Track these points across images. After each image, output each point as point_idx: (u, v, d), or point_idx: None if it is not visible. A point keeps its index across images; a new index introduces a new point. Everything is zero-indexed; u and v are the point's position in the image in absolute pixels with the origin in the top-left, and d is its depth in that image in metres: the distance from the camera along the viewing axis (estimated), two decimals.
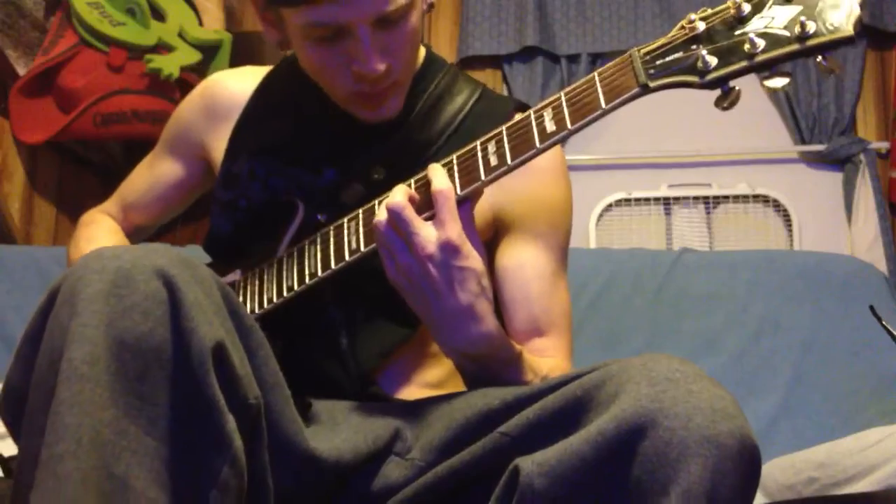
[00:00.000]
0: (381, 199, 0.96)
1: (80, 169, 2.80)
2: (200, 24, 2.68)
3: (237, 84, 1.22)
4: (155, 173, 1.29)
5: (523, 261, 1.06)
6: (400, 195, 0.88)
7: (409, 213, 0.87)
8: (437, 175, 0.89)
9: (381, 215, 0.88)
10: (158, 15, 2.63)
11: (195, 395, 0.73)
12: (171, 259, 0.76)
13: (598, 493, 0.71)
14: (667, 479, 0.68)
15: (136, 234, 1.35)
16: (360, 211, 0.97)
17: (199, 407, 0.73)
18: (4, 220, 2.56)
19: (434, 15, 3.20)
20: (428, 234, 0.86)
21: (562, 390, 0.78)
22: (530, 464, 0.73)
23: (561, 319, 1.08)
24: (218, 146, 1.20)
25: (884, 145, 2.87)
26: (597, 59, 3.04)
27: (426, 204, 0.89)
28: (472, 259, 0.87)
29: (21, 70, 2.57)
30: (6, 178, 2.65)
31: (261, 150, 1.14)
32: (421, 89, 1.12)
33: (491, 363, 0.92)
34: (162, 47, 2.59)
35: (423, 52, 1.16)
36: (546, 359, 1.03)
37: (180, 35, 2.63)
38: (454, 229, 0.86)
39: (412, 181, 0.93)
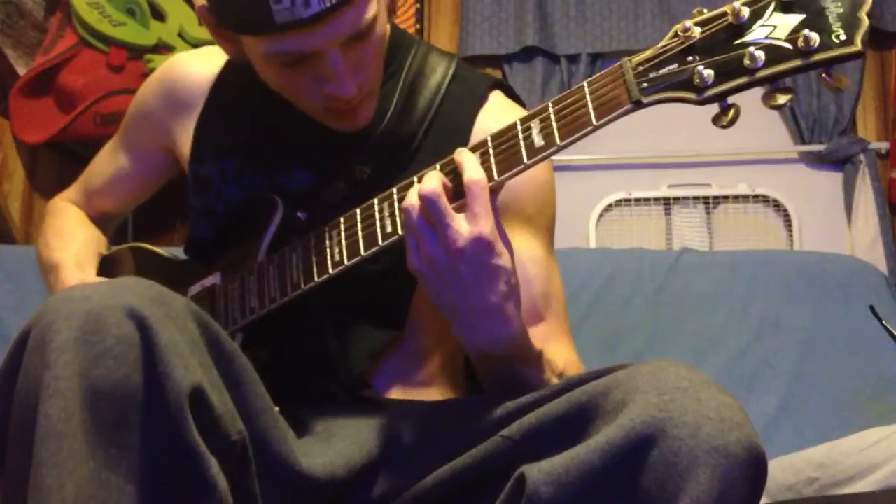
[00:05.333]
0: (363, 206, 0.93)
1: (80, 169, 2.79)
2: (200, 24, 2.68)
3: (199, 67, 1.16)
4: (117, 161, 1.25)
5: (516, 246, 1.03)
6: (434, 181, 0.82)
7: (443, 202, 0.81)
8: (471, 163, 0.83)
9: (413, 200, 0.82)
10: (158, 15, 2.63)
11: (174, 442, 0.71)
12: (143, 297, 0.73)
13: (606, 502, 0.70)
14: (675, 489, 0.68)
15: (103, 220, 1.30)
16: (342, 219, 0.94)
17: (180, 453, 0.71)
18: (4, 220, 2.57)
19: (434, 15, 3.20)
20: (460, 227, 0.80)
21: (566, 396, 0.77)
22: (537, 472, 0.72)
23: (558, 303, 1.06)
24: (182, 138, 1.15)
25: (884, 145, 2.87)
26: (597, 59, 3.04)
27: (456, 193, 0.84)
28: (504, 257, 0.83)
29: (21, 70, 2.57)
30: (6, 178, 2.65)
31: (227, 149, 1.10)
32: (392, 74, 1.06)
33: (512, 363, 0.89)
34: (162, 47, 2.59)
35: (387, 30, 1.08)
36: (556, 349, 1.00)
37: (180, 35, 2.63)
38: (488, 224, 0.81)
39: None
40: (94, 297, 0.72)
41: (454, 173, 0.85)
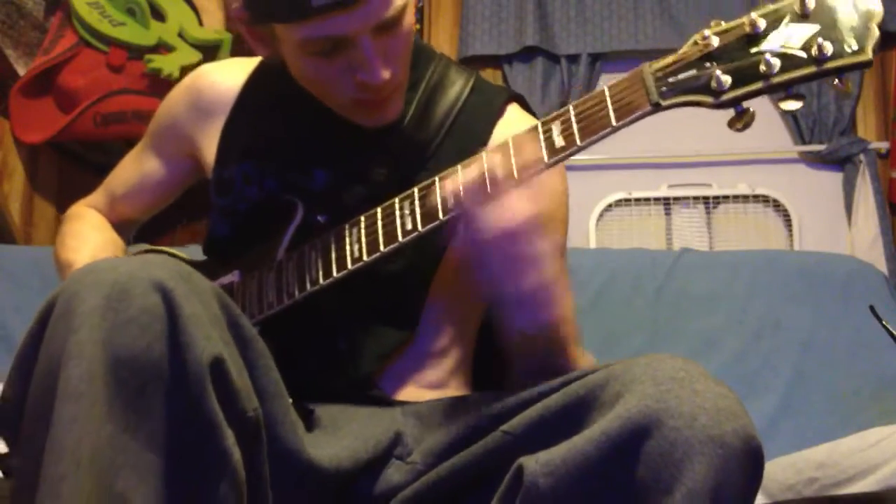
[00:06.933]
0: (383, 206, 0.94)
1: (80, 169, 2.80)
2: (200, 24, 2.68)
3: (225, 78, 1.18)
4: (142, 167, 1.27)
5: None
6: (494, 161, 0.86)
7: (499, 184, 0.85)
8: (529, 146, 0.87)
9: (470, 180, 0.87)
10: (158, 15, 2.63)
11: (193, 411, 0.72)
12: (169, 271, 0.75)
13: (603, 492, 0.71)
14: (671, 479, 0.68)
15: (124, 226, 1.32)
16: (362, 217, 0.96)
17: (198, 422, 0.72)
18: (4, 220, 2.57)
19: (434, 15, 3.20)
20: (515, 209, 0.85)
21: (564, 390, 0.78)
22: (534, 463, 0.73)
23: (570, 318, 1.07)
24: (207, 145, 1.17)
25: (884, 145, 2.87)
26: (597, 59, 3.03)
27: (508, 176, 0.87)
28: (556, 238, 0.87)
29: (21, 70, 2.57)
30: (6, 178, 2.65)
31: (251, 152, 1.12)
32: (414, 82, 1.09)
33: (551, 349, 0.92)
34: (162, 47, 2.59)
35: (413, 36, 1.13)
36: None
37: (180, 35, 2.63)
38: (541, 204, 0.85)
39: (416, 190, 0.92)
40: (120, 268, 0.73)
41: (507, 157, 0.87)
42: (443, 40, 3.14)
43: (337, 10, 0.90)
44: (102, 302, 0.71)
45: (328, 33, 0.92)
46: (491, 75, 3.06)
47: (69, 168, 2.79)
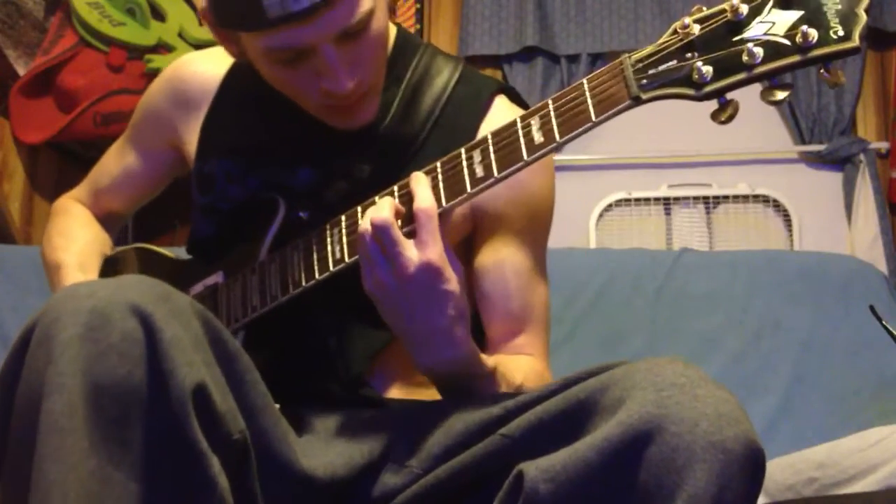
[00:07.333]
0: (364, 204, 0.93)
1: (80, 169, 2.79)
2: (200, 24, 2.69)
3: (207, 67, 1.16)
4: (125, 160, 1.25)
5: (502, 257, 1.04)
6: (386, 210, 0.85)
7: (395, 231, 0.84)
8: (421, 190, 0.86)
9: (366, 226, 0.86)
10: (158, 15, 2.64)
11: (176, 439, 0.71)
12: (146, 294, 0.73)
13: (604, 499, 0.70)
14: (673, 485, 0.68)
15: (109, 219, 1.30)
16: (343, 217, 0.95)
17: (182, 450, 0.71)
18: (4, 220, 2.57)
19: (434, 15, 3.20)
20: (411, 255, 0.84)
21: (564, 394, 0.77)
22: (535, 469, 0.72)
23: (539, 316, 1.07)
24: (189, 137, 1.15)
25: (884, 145, 2.87)
26: (597, 59, 3.04)
27: (409, 217, 0.87)
28: (452, 282, 0.86)
29: (21, 70, 2.57)
30: (6, 178, 2.65)
31: (233, 149, 1.10)
32: (397, 76, 1.07)
33: (463, 381, 0.92)
34: (162, 47, 2.59)
35: (393, 31, 1.08)
36: (520, 360, 1.02)
37: (180, 35, 2.63)
38: (436, 251, 0.84)
39: (396, 188, 0.90)
40: (98, 293, 0.72)
41: (408, 196, 0.87)
42: (443, 40, 3.14)
43: (294, 21, 0.88)
44: (81, 330, 0.70)
45: (289, 44, 0.90)
46: (491, 75, 3.06)
47: (69, 168, 2.79)
